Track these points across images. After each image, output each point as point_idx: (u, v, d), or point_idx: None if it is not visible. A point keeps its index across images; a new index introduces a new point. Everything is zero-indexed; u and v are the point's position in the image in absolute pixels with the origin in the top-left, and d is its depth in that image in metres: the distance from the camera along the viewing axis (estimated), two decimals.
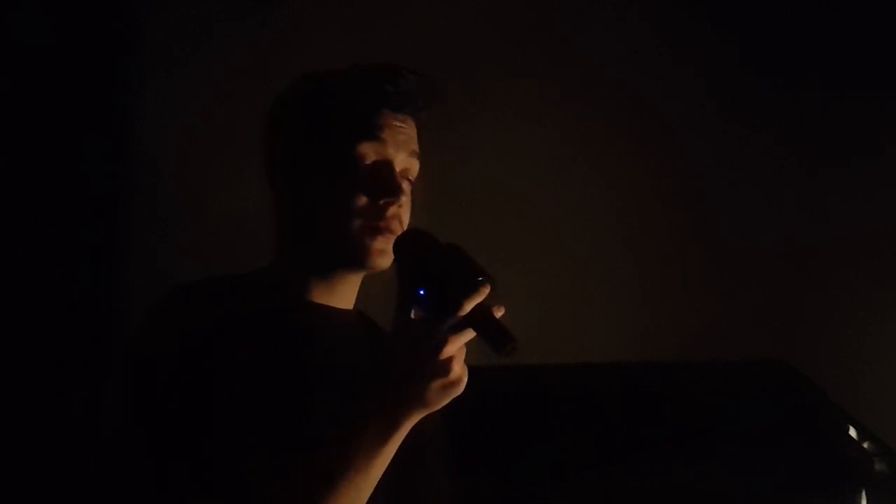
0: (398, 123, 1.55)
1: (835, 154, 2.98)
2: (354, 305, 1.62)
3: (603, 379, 2.57)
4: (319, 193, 1.54)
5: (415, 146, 1.57)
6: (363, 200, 1.52)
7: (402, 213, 1.54)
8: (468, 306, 1.34)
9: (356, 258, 1.53)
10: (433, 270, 1.39)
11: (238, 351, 1.46)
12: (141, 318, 1.49)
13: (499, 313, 1.38)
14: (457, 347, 1.36)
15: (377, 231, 1.51)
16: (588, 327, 2.89)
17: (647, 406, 2.45)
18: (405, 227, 1.54)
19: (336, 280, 1.57)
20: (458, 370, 1.36)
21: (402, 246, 1.46)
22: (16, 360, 2.61)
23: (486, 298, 1.36)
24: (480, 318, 1.36)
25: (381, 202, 1.52)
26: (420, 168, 1.59)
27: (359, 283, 1.61)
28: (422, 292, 1.37)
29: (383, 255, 1.52)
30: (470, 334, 1.36)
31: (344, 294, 1.58)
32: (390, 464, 1.39)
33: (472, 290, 1.35)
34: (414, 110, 1.57)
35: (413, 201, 1.58)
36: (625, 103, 3.00)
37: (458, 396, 1.37)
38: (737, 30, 3.01)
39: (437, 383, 1.36)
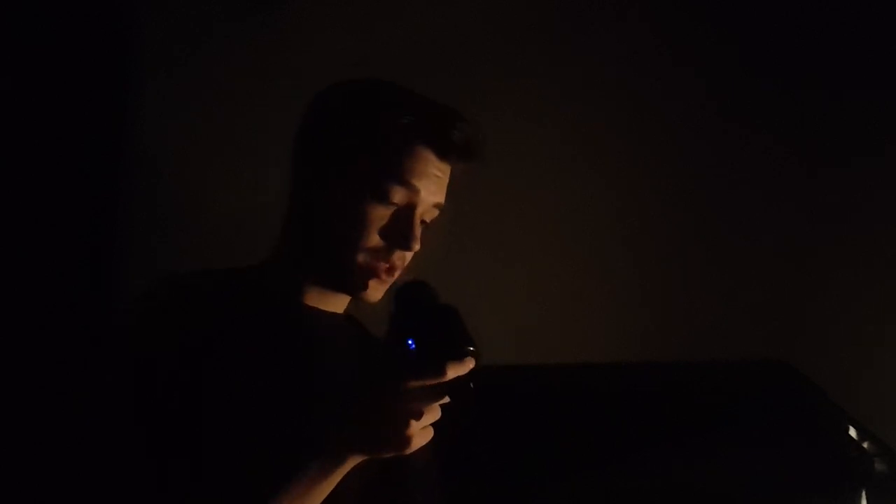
0: (437, 172, 1.52)
1: (835, 154, 2.98)
2: (346, 309, 1.61)
3: (603, 379, 2.57)
4: (336, 211, 1.50)
5: (443, 198, 1.54)
6: (375, 239, 1.49)
7: (407, 257, 1.51)
8: (451, 374, 1.33)
9: (349, 288, 1.52)
10: (426, 328, 1.38)
11: (217, 347, 1.44)
12: (125, 308, 1.48)
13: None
14: (424, 408, 1.34)
15: (377, 272, 1.50)
16: (588, 327, 2.89)
17: (647, 406, 2.45)
18: (405, 267, 1.52)
19: (327, 289, 1.55)
20: (415, 429, 1.34)
21: (403, 295, 1.45)
22: (15, 360, 2.61)
23: (468, 371, 1.35)
24: (457, 389, 1.35)
25: (392, 248, 1.50)
26: None
27: None
28: (411, 345, 1.37)
29: (376, 293, 1.51)
30: (440, 399, 1.35)
31: (335, 299, 1.57)
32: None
33: (459, 358, 1.34)
34: (454, 159, 1.53)
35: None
36: (625, 103, 3.00)
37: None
38: (737, 30, 3.00)
39: (392, 435, 1.34)
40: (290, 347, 1.50)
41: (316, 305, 1.54)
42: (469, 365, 1.35)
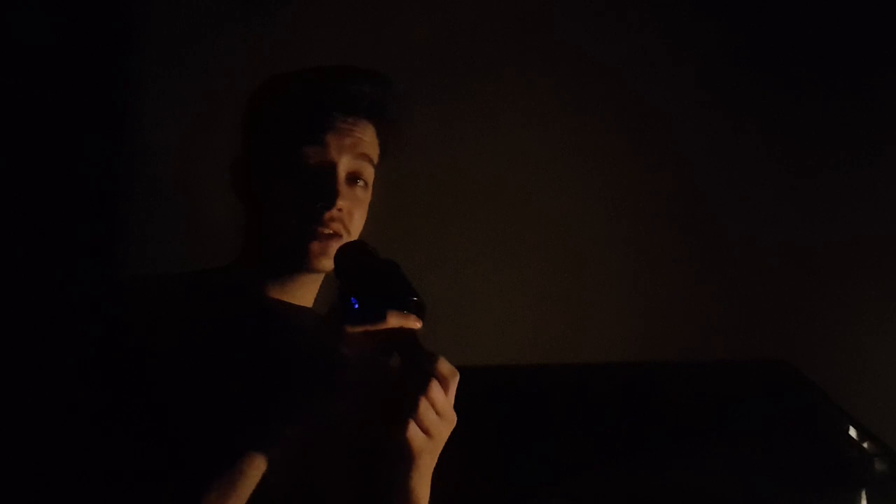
0: (346, 126, 1.54)
1: (835, 154, 2.98)
2: (315, 304, 1.61)
3: (603, 379, 2.57)
4: (265, 194, 1.54)
5: (364, 149, 1.56)
6: (301, 203, 1.51)
7: (344, 217, 1.53)
8: (393, 322, 1.33)
9: (296, 259, 1.53)
10: (367, 284, 1.38)
11: (182, 346, 1.44)
12: (88, 311, 1.49)
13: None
14: (362, 348, 1.33)
15: (314, 234, 1.51)
16: (588, 327, 2.89)
17: (647, 406, 2.45)
18: (352, 232, 1.54)
19: (289, 279, 1.56)
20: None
21: (341, 256, 1.46)
22: (15, 360, 2.61)
23: (413, 323, 1.34)
24: (403, 340, 1.34)
25: (318, 205, 1.51)
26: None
27: (318, 283, 1.60)
28: (354, 303, 1.36)
29: (321, 258, 1.51)
30: (387, 350, 1.34)
31: (301, 292, 1.58)
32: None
33: (401, 308, 1.33)
34: (367, 113, 1.56)
35: (373, 204, 1.57)
36: (625, 103, 3.00)
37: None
38: (737, 30, 3.00)
39: (355, 401, 1.33)
40: (256, 342, 1.51)
41: (282, 299, 1.56)
42: (411, 317, 1.34)
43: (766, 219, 2.97)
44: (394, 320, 1.33)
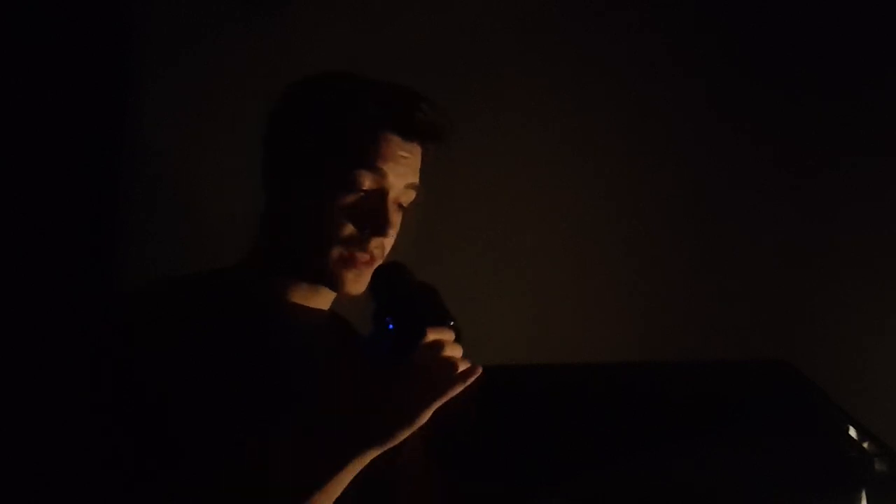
0: (403, 154, 1.50)
1: (835, 154, 2.98)
2: (331, 306, 1.60)
3: (603, 379, 2.57)
4: (308, 206, 1.49)
5: (415, 178, 1.52)
6: (349, 229, 1.48)
7: (386, 244, 1.50)
8: (431, 335, 1.33)
9: (328, 283, 1.50)
10: (403, 306, 1.38)
11: (200, 349, 1.42)
12: (104, 314, 1.48)
13: (477, 374, 1.34)
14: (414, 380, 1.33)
15: (355, 262, 1.48)
16: (588, 327, 2.89)
17: (648, 406, 2.45)
18: (386, 254, 1.51)
19: (309, 286, 1.54)
20: (415, 400, 1.33)
21: (380, 276, 1.45)
22: (15, 360, 2.61)
23: (449, 336, 1.35)
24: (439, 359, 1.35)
25: (366, 232, 1.48)
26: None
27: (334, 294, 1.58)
28: (390, 324, 1.36)
29: (355, 284, 1.48)
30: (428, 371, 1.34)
31: (319, 295, 1.56)
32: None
33: (438, 323, 1.34)
34: (421, 140, 1.52)
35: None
36: (625, 103, 3.00)
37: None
38: (737, 30, 3.00)
39: (387, 416, 1.32)
40: (273, 347, 1.49)
41: (299, 302, 1.54)
42: (449, 336, 1.34)
43: (766, 219, 2.97)
44: (432, 335, 1.33)
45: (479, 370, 1.34)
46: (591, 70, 3.00)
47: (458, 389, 1.33)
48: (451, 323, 1.36)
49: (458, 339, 1.36)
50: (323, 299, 1.55)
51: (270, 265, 1.53)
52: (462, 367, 1.34)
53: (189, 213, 2.79)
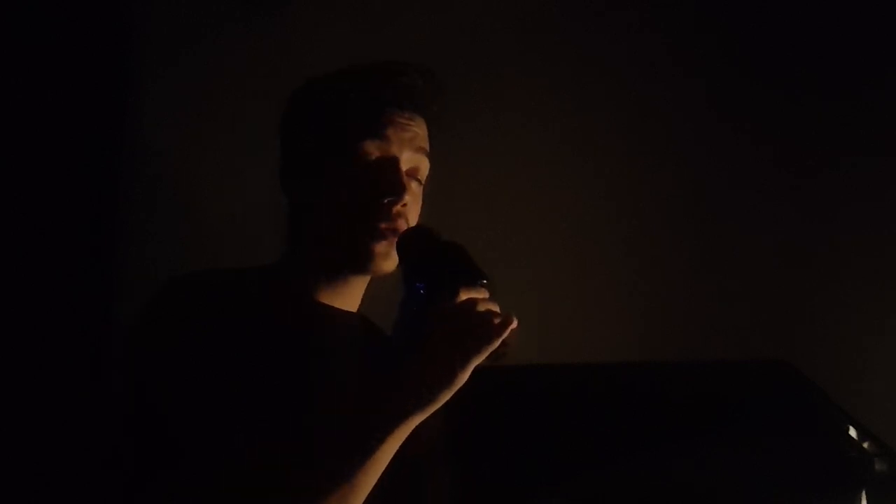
0: (403, 121, 1.53)
1: (835, 155, 2.98)
2: (359, 308, 1.60)
3: (603, 379, 2.57)
4: (323, 193, 1.52)
5: (422, 143, 1.55)
6: (366, 199, 1.49)
7: (407, 213, 1.52)
8: (464, 294, 1.32)
9: (358, 261, 1.51)
10: (434, 265, 1.37)
11: (234, 347, 1.43)
12: (141, 307, 1.48)
13: (513, 325, 1.35)
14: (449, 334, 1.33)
15: (380, 233, 1.49)
16: (588, 327, 2.89)
17: (648, 406, 2.45)
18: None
19: (339, 282, 1.55)
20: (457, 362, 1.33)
21: (406, 241, 1.45)
22: (15, 360, 2.61)
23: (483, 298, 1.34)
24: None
25: (385, 201, 1.49)
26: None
27: (364, 286, 1.59)
28: (421, 289, 1.36)
29: (386, 258, 1.50)
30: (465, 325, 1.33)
31: (348, 296, 1.57)
32: (387, 471, 1.37)
33: (471, 282, 1.33)
34: (419, 107, 1.55)
35: (423, 202, 1.56)
36: (625, 103, 3.00)
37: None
38: (737, 30, 3.00)
39: (427, 377, 1.32)
40: (302, 347, 1.49)
41: (328, 303, 1.54)
42: (483, 292, 1.33)
43: (766, 219, 2.97)
44: (465, 293, 1.33)
45: (514, 321, 1.33)
46: (591, 70, 3.00)
47: (496, 344, 1.35)
48: (484, 281, 1.35)
49: (491, 296, 1.35)
50: (355, 292, 1.57)
51: (304, 262, 1.55)
52: (496, 320, 1.33)
53: (189, 213, 2.79)
